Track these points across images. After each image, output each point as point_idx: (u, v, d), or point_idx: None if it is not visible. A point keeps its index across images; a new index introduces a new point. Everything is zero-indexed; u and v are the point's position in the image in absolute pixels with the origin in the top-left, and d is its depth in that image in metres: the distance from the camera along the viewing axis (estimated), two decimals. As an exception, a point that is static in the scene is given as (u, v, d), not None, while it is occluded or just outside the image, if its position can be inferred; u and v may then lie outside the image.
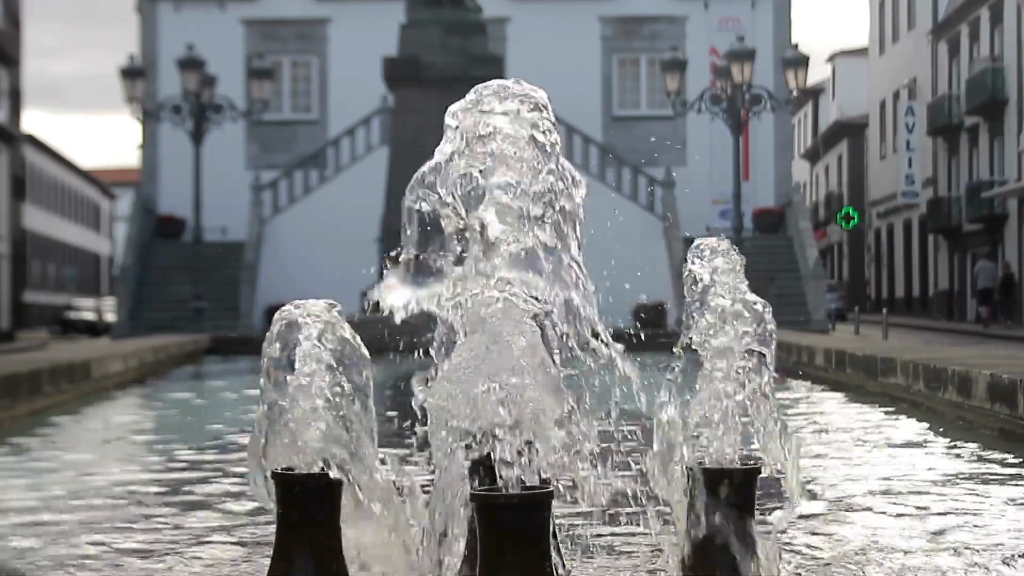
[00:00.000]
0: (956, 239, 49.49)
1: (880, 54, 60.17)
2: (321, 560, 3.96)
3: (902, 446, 9.32)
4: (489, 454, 3.80)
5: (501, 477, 3.76)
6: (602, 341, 3.99)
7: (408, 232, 4.02)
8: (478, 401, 3.79)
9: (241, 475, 5.86)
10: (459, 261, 3.97)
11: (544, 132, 3.89)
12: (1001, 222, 44.69)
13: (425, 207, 3.98)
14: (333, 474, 3.99)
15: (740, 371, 4.28)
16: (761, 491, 4.32)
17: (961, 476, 7.59)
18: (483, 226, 3.86)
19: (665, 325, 31.50)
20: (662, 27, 40.58)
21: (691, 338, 4.36)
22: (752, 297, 4.32)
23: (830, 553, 5.15)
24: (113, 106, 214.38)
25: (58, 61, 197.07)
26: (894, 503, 6.55)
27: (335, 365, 4.09)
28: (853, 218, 52.78)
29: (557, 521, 4.13)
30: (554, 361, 3.92)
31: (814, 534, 5.55)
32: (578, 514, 5.14)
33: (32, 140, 62.43)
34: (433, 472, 4.04)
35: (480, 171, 3.92)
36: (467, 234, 3.93)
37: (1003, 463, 8.11)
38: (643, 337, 4.93)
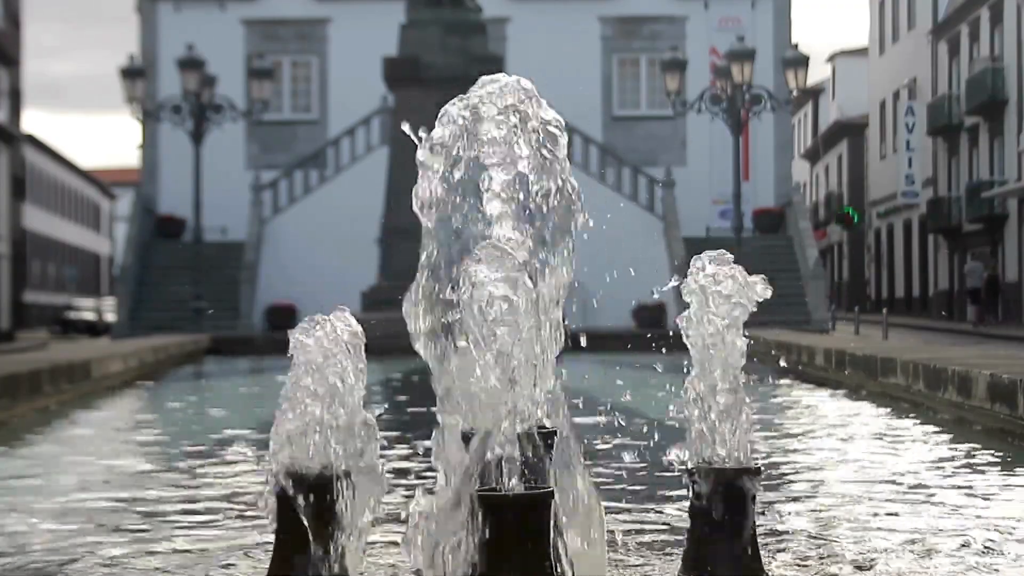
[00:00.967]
0: (956, 239, 49.48)
1: (880, 54, 60.17)
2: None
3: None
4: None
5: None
6: None
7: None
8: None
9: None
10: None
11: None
12: (1001, 222, 44.68)
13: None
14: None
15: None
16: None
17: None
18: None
19: (665, 325, 31.52)
20: (662, 27, 40.58)
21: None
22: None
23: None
24: (113, 106, 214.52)
25: (58, 61, 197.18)
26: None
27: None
28: (853, 218, 52.82)
29: None
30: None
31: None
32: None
33: (32, 140, 62.42)
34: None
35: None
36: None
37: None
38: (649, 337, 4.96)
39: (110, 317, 43.66)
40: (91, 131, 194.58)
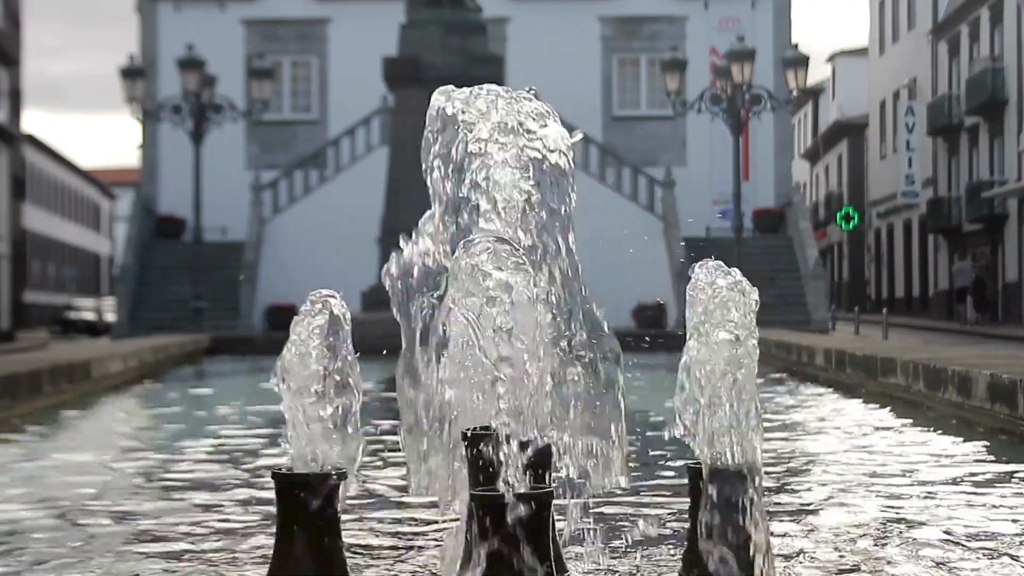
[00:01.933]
0: (956, 239, 49.49)
1: (880, 54, 60.17)
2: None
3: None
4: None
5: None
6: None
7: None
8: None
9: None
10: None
11: None
12: (1001, 222, 44.70)
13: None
14: None
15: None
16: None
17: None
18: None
19: (665, 325, 31.53)
20: (662, 27, 40.57)
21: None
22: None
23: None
24: (113, 106, 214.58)
25: (58, 61, 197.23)
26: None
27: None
28: (853, 218, 52.82)
29: None
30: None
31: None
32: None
33: (32, 140, 62.43)
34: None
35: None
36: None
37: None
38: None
39: (110, 317, 43.67)
40: (91, 131, 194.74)
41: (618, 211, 34.96)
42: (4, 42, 50.37)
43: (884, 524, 5.90)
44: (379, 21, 36.20)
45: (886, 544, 5.39)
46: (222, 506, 6.71)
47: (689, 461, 4.30)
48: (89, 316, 53.45)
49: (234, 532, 5.84)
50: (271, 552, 4.20)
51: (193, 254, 33.43)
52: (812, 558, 5.08)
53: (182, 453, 9.44)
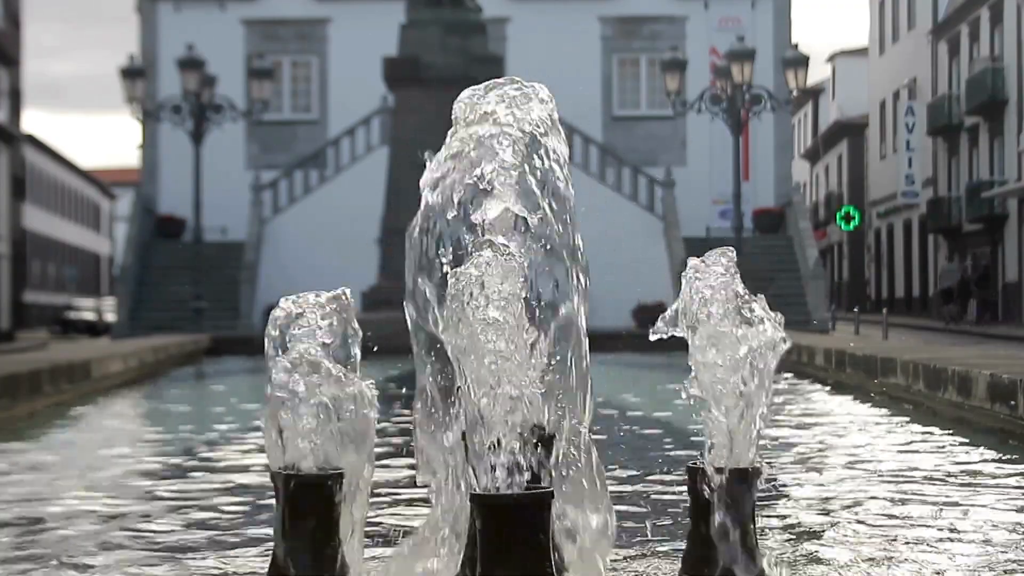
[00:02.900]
0: (956, 239, 49.50)
1: (880, 54, 60.17)
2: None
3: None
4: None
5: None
6: None
7: None
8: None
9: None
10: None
11: None
12: (1001, 222, 44.71)
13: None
14: None
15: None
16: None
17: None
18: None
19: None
20: (662, 27, 40.57)
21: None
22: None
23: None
24: (113, 106, 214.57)
25: (58, 61, 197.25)
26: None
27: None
28: (853, 218, 52.83)
29: None
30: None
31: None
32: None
33: (32, 140, 62.43)
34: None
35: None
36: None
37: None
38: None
39: (110, 317, 43.67)
40: (91, 131, 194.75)
41: (618, 211, 34.98)
42: (4, 42, 50.37)
43: (885, 525, 5.90)
44: (379, 21, 36.21)
45: (887, 545, 5.39)
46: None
47: (690, 462, 4.31)
48: (89, 316, 53.45)
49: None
50: None
51: (193, 254, 33.43)
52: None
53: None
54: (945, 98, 50.05)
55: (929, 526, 5.86)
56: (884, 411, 11.92)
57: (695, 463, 4.29)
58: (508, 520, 3.71)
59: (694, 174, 38.49)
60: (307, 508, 4.05)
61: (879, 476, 7.69)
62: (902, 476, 7.65)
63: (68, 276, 69.09)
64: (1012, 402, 9.36)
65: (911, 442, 9.51)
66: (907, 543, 5.41)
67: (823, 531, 5.74)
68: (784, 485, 7.24)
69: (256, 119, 36.01)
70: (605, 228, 32.67)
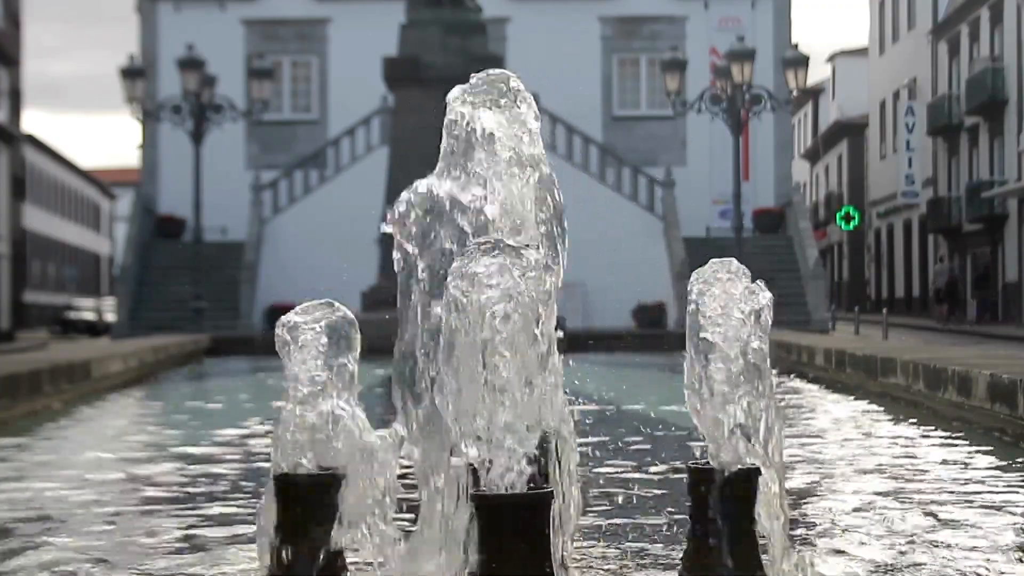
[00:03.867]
0: (956, 239, 49.50)
1: (880, 54, 60.17)
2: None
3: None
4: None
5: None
6: None
7: None
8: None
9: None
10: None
11: None
12: (1001, 222, 44.71)
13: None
14: None
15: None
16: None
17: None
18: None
19: (665, 325, 31.54)
20: (662, 27, 40.56)
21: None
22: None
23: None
24: (113, 106, 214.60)
25: (58, 61, 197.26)
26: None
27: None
28: (853, 218, 52.86)
29: None
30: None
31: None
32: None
33: (32, 140, 62.44)
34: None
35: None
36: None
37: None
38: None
39: (110, 317, 43.67)
40: (91, 131, 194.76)
41: (618, 211, 34.99)
42: (4, 42, 50.37)
43: (888, 528, 5.90)
44: (379, 21, 36.19)
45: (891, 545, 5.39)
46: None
47: (690, 461, 4.31)
48: (89, 316, 53.45)
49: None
50: None
51: (193, 254, 33.42)
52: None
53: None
54: (945, 98, 50.05)
55: (928, 525, 5.86)
56: (884, 411, 11.92)
57: (695, 463, 4.29)
58: (508, 520, 3.71)
59: (694, 174, 38.48)
60: (305, 509, 4.05)
61: (880, 476, 7.69)
62: (902, 476, 7.65)
63: (68, 276, 69.09)
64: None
65: (911, 441, 9.51)
66: (912, 543, 5.42)
67: (823, 531, 5.74)
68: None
69: (256, 119, 36.00)
70: (605, 228, 32.71)
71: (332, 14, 40.61)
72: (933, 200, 51.30)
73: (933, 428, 10.18)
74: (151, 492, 7.48)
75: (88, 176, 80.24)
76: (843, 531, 5.73)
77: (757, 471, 4.22)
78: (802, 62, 33.35)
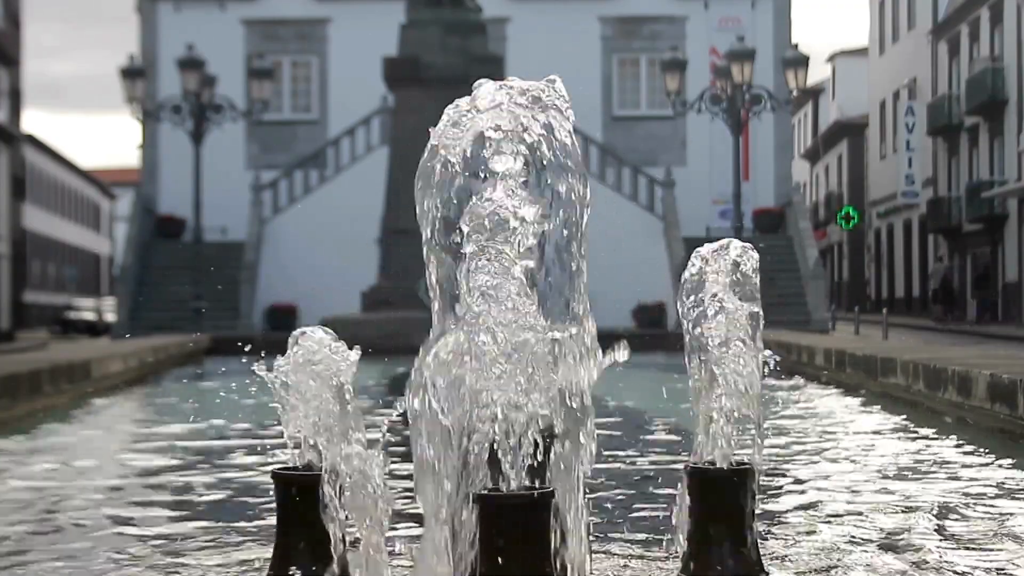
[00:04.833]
0: (956, 239, 49.51)
1: (880, 54, 60.18)
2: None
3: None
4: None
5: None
6: None
7: None
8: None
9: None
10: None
11: None
12: (1001, 222, 44.72)
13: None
14: None
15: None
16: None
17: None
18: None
19: (665, 325, 31.53)
20: (662, 27, 40.57)
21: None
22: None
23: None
24: (113, 106, 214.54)
25: (58, 61, 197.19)
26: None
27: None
28: (853, 218, 52.86)
29: None
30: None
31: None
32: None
33: (32, 140, 62.43)
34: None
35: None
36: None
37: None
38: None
39: (110, 317, 43.66)
40: (91, 131, 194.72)
41: (618, 211, 34.99)
42: (4, 42, 50.37)
43: (888, 530, 5.91)
44: (379, 21, 36.19)
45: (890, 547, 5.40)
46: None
47: (690, 461, 4.31)
48: (89, 316, 53.43)
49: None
50: None
51: (193, 254, 33.42)
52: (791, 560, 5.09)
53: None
54: (945, 98, 50.06)
55: (931, 526, 5.87)
56: (884, 411, 11.92)
57: (694, 463, 4.29)
58: (508, 520, 3.71)
59: (694, 174, 38.48)
60: (307, 508, 4.05)
61: (880, 475, 7.70)
62: (902, 476, 7.65)
63: (68, 276, 69.08)
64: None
65: (912, 441, 9.52)
66: (915, 542, 5.43)
67: (824, 532, 5.75)
68: (779, 488, 7.24)
69: (256, 119, 36.02)
70: (605, 228, 32.66)
71: (332, 14, 40.61)
72: (933, 200, 51.31)
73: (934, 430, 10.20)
74: (151, 492, 7.48)
75: (88, 176, 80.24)
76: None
77: (753, 471, 4.23)
78: (802, 62, 33.36)
